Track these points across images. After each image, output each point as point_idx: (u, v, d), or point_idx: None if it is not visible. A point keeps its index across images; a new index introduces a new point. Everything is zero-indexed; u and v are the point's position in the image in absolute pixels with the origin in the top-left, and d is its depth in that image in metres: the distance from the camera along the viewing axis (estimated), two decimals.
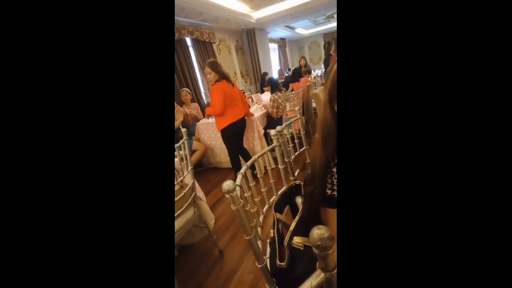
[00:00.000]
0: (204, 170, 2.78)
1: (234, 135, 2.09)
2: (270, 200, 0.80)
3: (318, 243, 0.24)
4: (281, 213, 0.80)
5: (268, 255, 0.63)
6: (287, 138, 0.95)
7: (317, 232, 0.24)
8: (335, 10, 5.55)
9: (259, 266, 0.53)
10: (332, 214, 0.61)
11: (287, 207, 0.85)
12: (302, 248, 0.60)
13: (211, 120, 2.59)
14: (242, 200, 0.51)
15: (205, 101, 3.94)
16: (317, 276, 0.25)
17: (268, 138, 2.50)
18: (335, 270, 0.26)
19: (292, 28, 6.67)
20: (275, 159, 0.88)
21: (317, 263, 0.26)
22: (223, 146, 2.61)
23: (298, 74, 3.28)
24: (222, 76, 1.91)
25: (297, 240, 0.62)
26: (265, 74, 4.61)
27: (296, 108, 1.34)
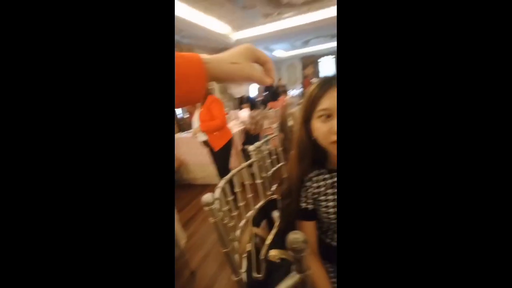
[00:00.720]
0: (177, 186, 2.69)
1: (229, 151, 1.96)
2: (248, 215, 0.81)
3: (294, 246, 0.27)
4: (258, 227, 0.81)
5: (244, 269, 0.63)
6: (265, 153, 0.99)
7: (293, 236, 0.27)
8: (313, 36, 6.01)
9: (235, 279, 0.53)
10: (306, 226, 0.65)
11: (264, 221, 0.87)
12: (278, 261, 0.62)
13: (186, 134, 2.55)
14: (220, 213, 0.53)
15: (182, 115, 3.91)
16: (293, 277, 0.28)
17: (245, 154, 2.53)
18: (308, 271, 0.28)
19: (271, 50, 7.04)
20: (252, 175, 0.90)
21: (292, 266, 0.28)
22: (198, 161, 2.55)
23: (275, 93, 3.45)
24: (209, 91, 1.83)
25: (273, 253, 0.64)
26: None
27: (274, 126, 1.40)
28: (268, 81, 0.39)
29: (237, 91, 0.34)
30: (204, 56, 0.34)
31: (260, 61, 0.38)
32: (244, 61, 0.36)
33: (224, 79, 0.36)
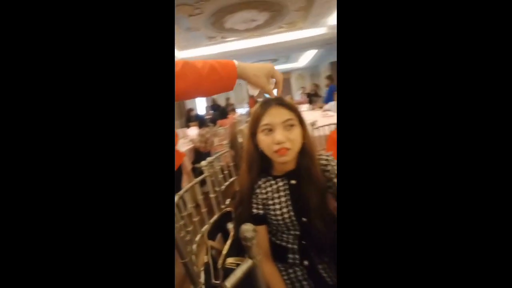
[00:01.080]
0: None
1: (180, 173, 1.85)
2: (203, 229, 0.83)
3: (245, 234, 0.33)
4: (214, 240, 0.83)
5: (203, 281, 0.64)
6: (217, 169, 1.03)
7: (244, 227, 0.33)
8: (256, 60, 6.48)
9: None
10: (258, 230, 0.71)
11: (219, 234, 0.89)
12: (235, 267, 0.65)
13: None
14: (177, 226, 0.55)
15: None
16: (246, 262, 0.33)
17: (195, 173, 2.48)
18: (258, 257, 0.34)
19: None
20: (206, 194, 0.93)
21: (246, 253, 0.34)
22: None
23: (224, 112, 3.56)
24: None
25: (230, 260, 0.67)
26: (190, 110, 4.71)
27: (225, 142, 1.46)
28: (273, 94, 0.59)
29: (252, 91, 0.58)
30: (236, 62, 0.54)
31: (275, 78, 0.58)
32: (263, 76, 0.55)
33: (247, 81, 0.56)
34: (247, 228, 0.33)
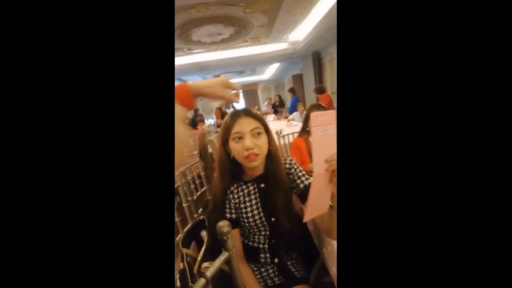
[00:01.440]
0: None
1: None
2: (177, 238, 0.84)
3: (221, 230, 0.38)
4: (188, 249, 0.84)
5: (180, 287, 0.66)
6: (189, 179, 1.05)
7: (220, 224, 0.38)
8: (222, 72, 6.57)
9: None
10: (232, 234, 0.75)
11: (193, 242, 0.90)
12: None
13: None
14: None
15: None
16: (223, 255, 0.38)
17: None
18: (233, 249, 0.39)
19: (184, 81, 7.15)
20: (180, 203, 0.94)
21: (222, 247, 0.39)
22: None
23: (194, 122, 3.54)
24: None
25: (205, 265, 0.70)
26: None
27: (195, 152, 1.48)
28: (235, 100, 0.63)
29: (213, 103, 0.60)
30: (189, 82, 0.56)
31: (232, 88, 0.61)
32: (218, 86, 0.57)
33: (205, 96, 0.57)
34: (223, 224, 0.38)
